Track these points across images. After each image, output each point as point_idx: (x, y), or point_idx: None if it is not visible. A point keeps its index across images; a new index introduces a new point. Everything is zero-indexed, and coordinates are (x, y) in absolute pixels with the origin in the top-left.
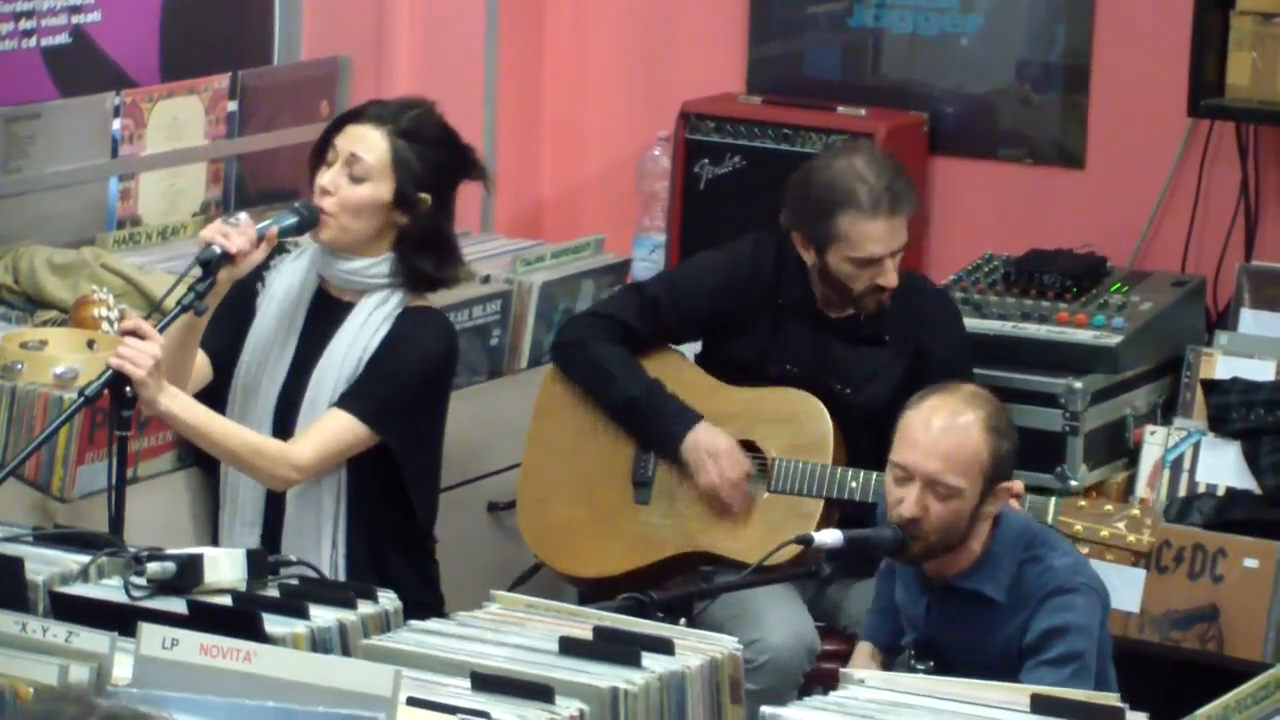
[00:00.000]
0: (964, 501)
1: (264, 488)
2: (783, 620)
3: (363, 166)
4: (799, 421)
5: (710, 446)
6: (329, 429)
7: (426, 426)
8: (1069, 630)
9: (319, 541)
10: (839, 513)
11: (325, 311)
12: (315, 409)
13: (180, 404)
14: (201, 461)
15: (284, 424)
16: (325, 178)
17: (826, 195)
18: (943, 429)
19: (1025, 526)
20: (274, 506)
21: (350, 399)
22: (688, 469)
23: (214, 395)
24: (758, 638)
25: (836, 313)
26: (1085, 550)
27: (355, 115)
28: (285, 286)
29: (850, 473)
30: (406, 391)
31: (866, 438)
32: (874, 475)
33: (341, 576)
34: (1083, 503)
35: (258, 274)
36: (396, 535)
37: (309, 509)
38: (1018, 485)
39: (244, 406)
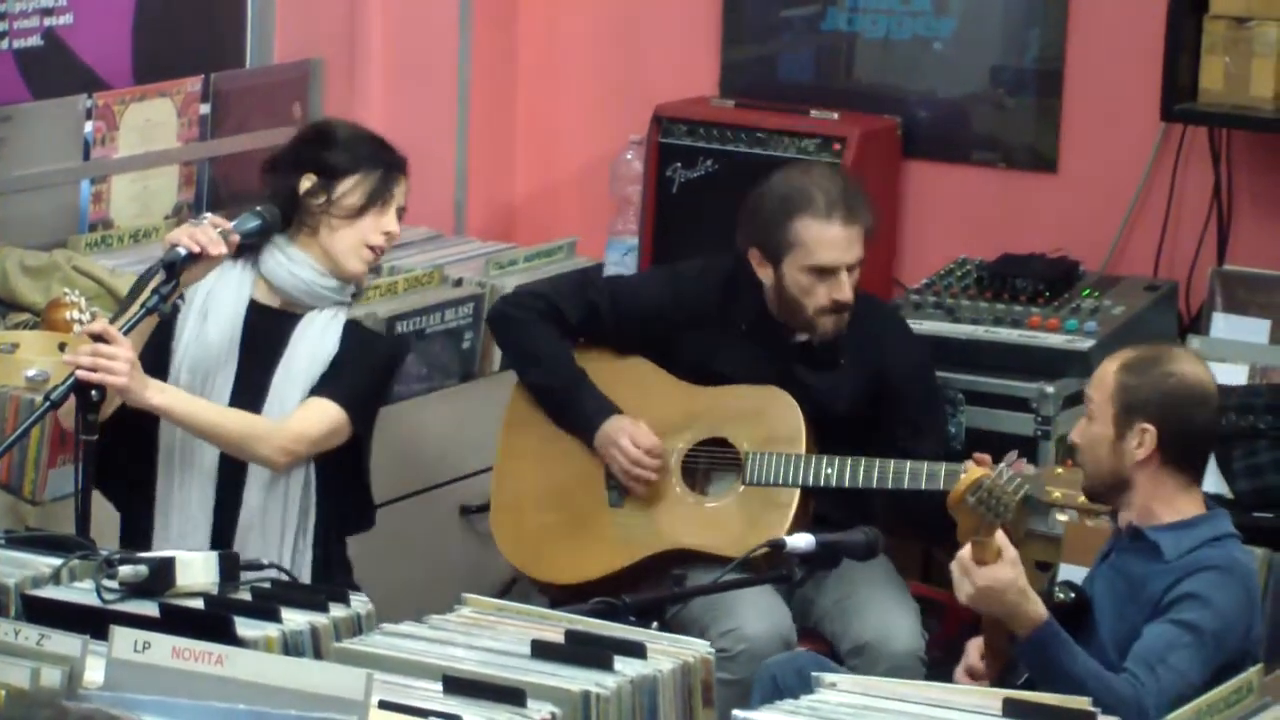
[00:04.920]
0: (1098, 426)
1: (214, 491)
2: (759, 611)
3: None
4: (769, 415)
5: (612, 438)
6: (314, 413)
7: (373, 426)
8: (1209, 605)
9: (281, 536)
10: (813, 502)
11: (267, 324)
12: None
13: (170, 396)
14: (110, 481)
15: None
16: (395, 227)
17: (781, 204)
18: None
19: (1230, 530)
20: (229, 504)
21: (327, 386)
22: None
23: (140, 411)
24: (734, 627)
25: (794, 335)
26: (1064, 518)
27: (400, 167)
28: (215, 300)
29: (825, 459)
30: (372, 387)
31: (831, 442)
32: (849, 460)
33: (305, 569)
34: (1059, 470)
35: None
36: (342, 531)
37: (274, 504)
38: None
39: None
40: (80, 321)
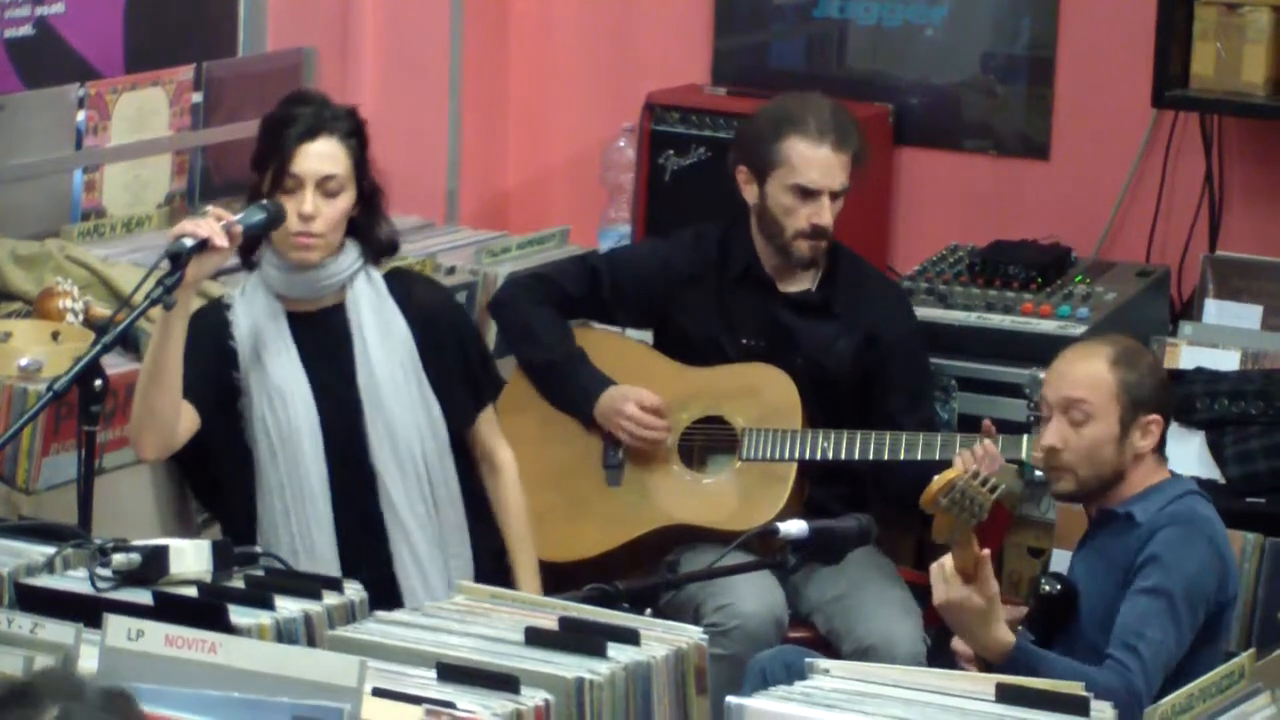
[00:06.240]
0: (1102, 426)
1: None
2: (754, 589)
3: (336, 182)
4: (764, 392)
5: (615, 407)
6: (492, 431)
7: (496, 374)
8: (1171, 566)
9: (445, 570)
10: (808, 486)
11: (312, 326)
12: (381, 410)
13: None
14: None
15: (337, 441)
16: (306, 206)
17: (774, 122)
18: (1072, 359)
19: (1193, 488)
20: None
21: (481, 393)
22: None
23: (201, 443)
24: (729, 603)
25: (785, 285)
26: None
27: (307, 134)
28: (257, 324)
29: (821, 433)
30: (474, 356)
31: (823, 410)
32: (844, 434)
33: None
34: None
35: (224, 325)
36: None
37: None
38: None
39: (287, 446)
40: (73, 311)
